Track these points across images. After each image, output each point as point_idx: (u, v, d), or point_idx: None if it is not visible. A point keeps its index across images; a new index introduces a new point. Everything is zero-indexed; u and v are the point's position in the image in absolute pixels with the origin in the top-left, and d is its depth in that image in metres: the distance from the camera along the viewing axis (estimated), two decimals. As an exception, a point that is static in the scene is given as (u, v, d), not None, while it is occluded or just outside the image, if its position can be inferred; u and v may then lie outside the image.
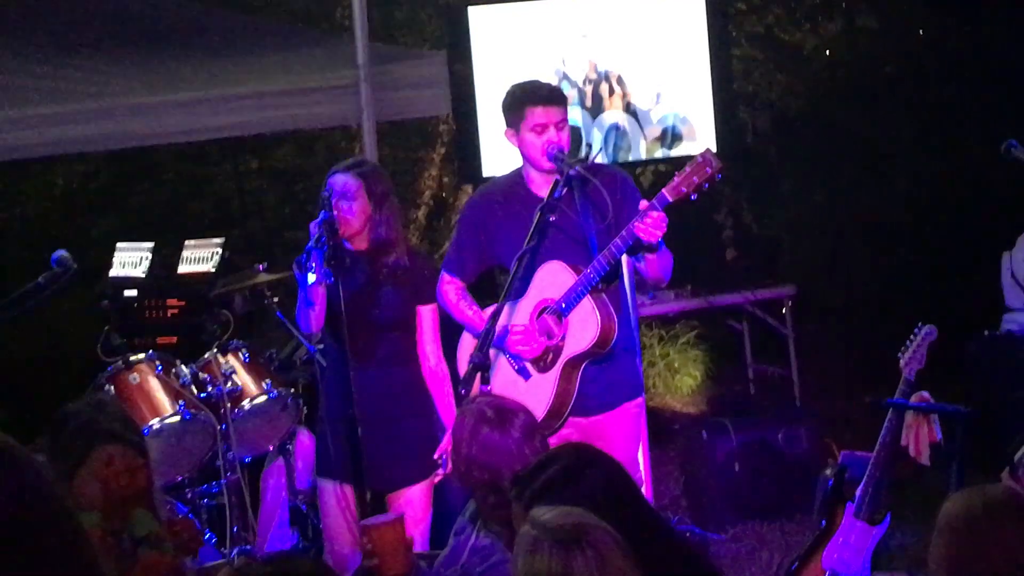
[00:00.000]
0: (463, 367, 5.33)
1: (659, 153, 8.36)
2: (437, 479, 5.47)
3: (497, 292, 5.28)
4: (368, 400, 5.29)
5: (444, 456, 5.31)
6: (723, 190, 10.00)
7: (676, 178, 5.01)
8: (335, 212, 5.26)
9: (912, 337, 5.72)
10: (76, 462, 4.19)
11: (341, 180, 5.37)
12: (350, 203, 5.35)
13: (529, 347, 5.20)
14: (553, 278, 5.20)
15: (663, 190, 4.99)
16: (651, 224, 4.92)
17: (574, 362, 5.20)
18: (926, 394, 5.75)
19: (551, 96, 5.32)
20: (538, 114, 5.25)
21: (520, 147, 5.34)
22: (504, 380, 5.20)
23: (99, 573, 2.34)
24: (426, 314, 5.51)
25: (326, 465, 5.55)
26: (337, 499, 5.50)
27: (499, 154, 7.08)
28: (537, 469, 3.53)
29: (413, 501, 5.42)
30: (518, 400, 5.14)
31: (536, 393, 5.20)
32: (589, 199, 5.20)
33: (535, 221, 5.06)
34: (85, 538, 2.38)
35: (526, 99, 5.30)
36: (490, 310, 5.12)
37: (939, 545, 3.22)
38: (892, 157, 10.02)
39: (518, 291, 5.20)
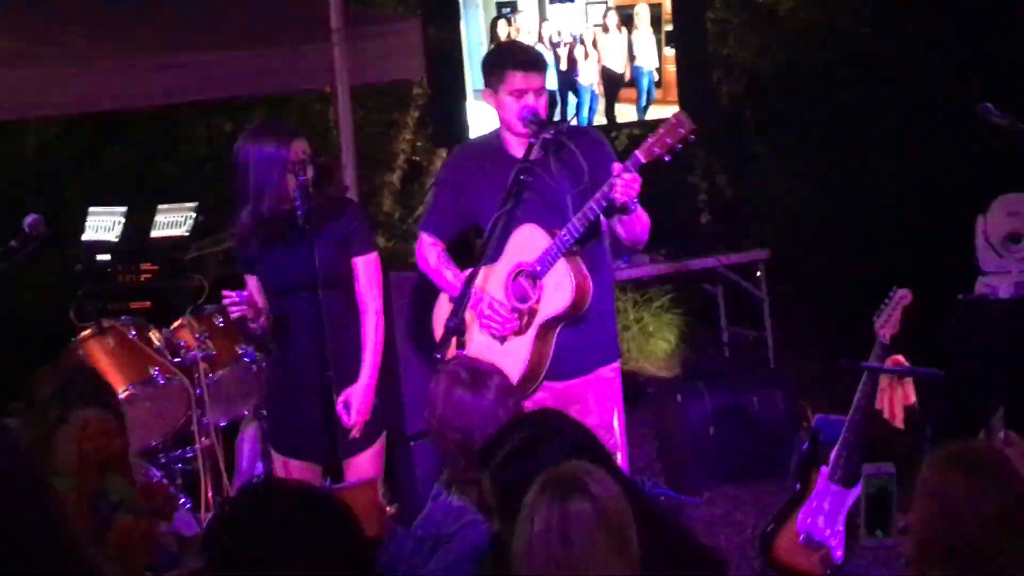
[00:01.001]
0: (439, 331, 5.33)
1: (634, 116, 8.35)
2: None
3: (472, 255, 5.27)
4: (309, 368, 5.18)
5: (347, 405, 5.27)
6: (697, 153, 9.98)
7: (649, 139, 5.01)
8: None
9: (886, 301, 5.73)
10: (53, 426, 4.18)
11: (300, 145, 5.28)
12: None
13: (500, 326, 5.20)
14: (528, 241, 5.19)
15: (636, 151, 4.99)
16: (624, 185, 4.93)
17: (549, 325, 5.19)
18: (900, 358, 5.76)
19: (533, 62, 5.30)
20: (518, 79, 5.23)
21: (497, 108, 5.33)
22: (479, 344, 5.20)
23: (72, 537, 2.34)
24: (360, 265, 5.32)
25: (278, 438, 5.51)
26: (290, 475, 5.38)
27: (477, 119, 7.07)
28: (500, 439, 3.53)
29: (362, 468, 5.32)
30: (493, 364, 5.16)
31: (511, 356, 5.20)
32: (564, 163, 5.20)
33: (510, 184, 5.06)
34: (58, 502, 2.38)
35: (507, 62, 5.29)
36: (467, 273, 5.12)
37: (918, 503, 3.23)
38: (867, 120, 10.01)
39: (493, 254, 5.20)
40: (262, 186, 5.23)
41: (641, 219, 5.18)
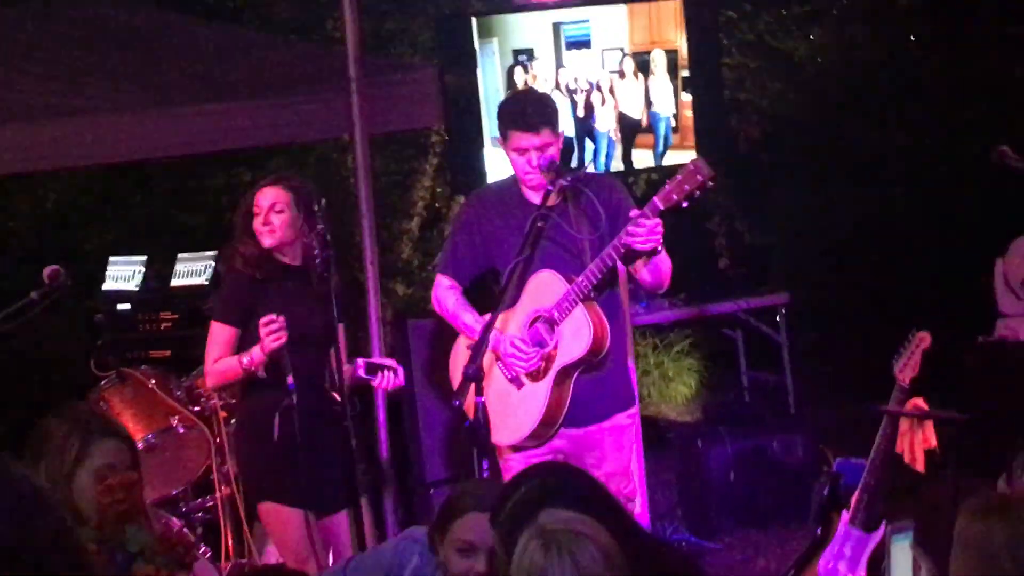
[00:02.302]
0: (456, 378, 5.33)
1: (651, 162, 8.36)
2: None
3: (489, 301, 5.28)
4: (306, 422, 5.23)
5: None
6: (715, 198, 9.99)
7: (667, 186, 5.01)
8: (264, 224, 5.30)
9: (906, 344, 5.72)
10: (72, 467, 4.16)
11: (271, 193, 5.36)
12: (279, 215, 5.35)
13: (526, 363, 5.20)
14: (545, 287, 5.20)
15: (654, 198, 5.00)
16: (645, 232, 4.93)
17: (567, 371, 5.19)
18: (920, 401, 5.75)
19: (530, 122, 5.26)
20: (517, 138, 5.25)
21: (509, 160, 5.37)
22: (497, 390, 5.20)
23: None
24: (342, 333, 5.43)
25: (274, 488, 5.50)
26: (286, 524, 5.45)
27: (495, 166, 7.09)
28: (507, 493, 3.51)
29: (343, 523, 5.37)
30: (511, 410, 5.16)
31: (529, 403, 5.20)
32: (581, 209, 5.21)
33: (527, 231, 5.07)
34: (84, 552, 2.38)
35: (508, 123, 5.31)
36: (485, 318, 5.13)
37: (958, 557, 3.22)
38: (884, 164, 10.01)
39: (510, 300, 5.20)
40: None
41: (665, 262, 5.20)
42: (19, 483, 2.29)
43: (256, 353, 5.25)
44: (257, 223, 5.37)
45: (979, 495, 3.36)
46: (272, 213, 5.34)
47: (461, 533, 3.83)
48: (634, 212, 5.00)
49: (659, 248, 5.04)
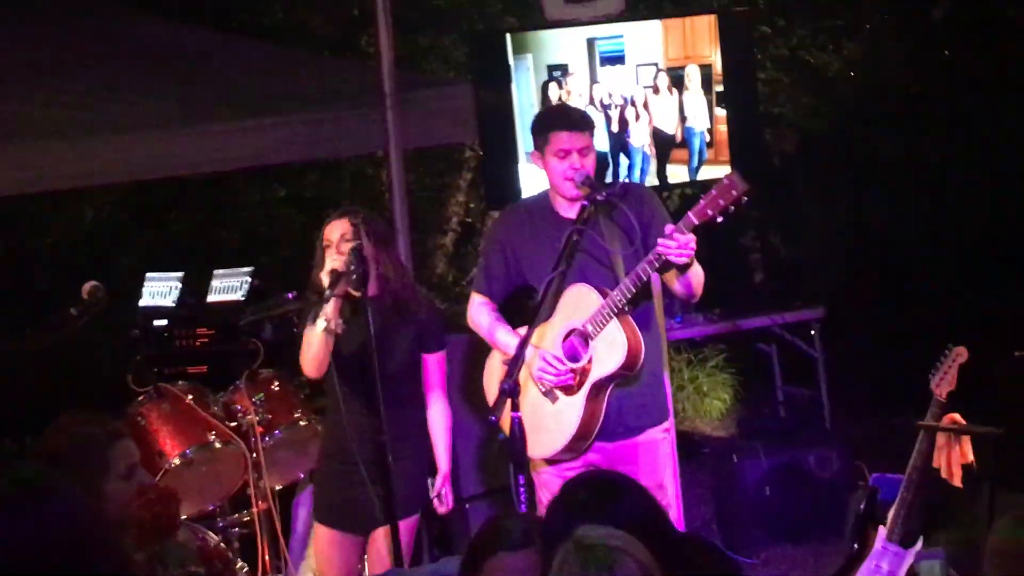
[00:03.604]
0: (491, 392, 5.34)
1: (685, 177, 8.36)
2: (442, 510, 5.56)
3: (524, 316, 5.29)
4: (362, 445, 5.30)
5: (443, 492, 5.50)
6: (750, 213, 9.99)
7: (702, 201, 5.01)
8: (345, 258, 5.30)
9: (942, 358, 5.70)
10: (99, 472, 4.19)
11: (339, 226, 5.40)
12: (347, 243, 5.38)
13: (555, 378, 5.20)
14: (579, 301, 5.20)
15: (689, 212, 5.00)
16: (678, 246, 4.93)
17: (601, 384, 5.20)
18: (957, 416, 5.73)
19: (577, 122, 5.32)
20: (563, 139, 5.26)
21: (546, 171, 5.36)
22: (531, 404, 5.20)
23: None
24: (432, 363, 5.55)
25: (323, 510, 5.62)
26: (332, 546, 5.55)
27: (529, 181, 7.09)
28: (561, 504, 3.51)
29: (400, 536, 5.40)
30: (545, 424, 5.17)
31: (563, 417, 5.21)
32: (616, 223, 5.22)
33: (563, 246, 5.08)
34: (133, 563, 2.40)
35: (552, 123, 5.32)
36: (520, 333, 5.14)
37: (996, 571, 3.20)
38: (918, 178, 10.00)
39: (545, 315, 5.21)
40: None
41: (698, 275, 5.20)
42: (72, 501, 2.32)
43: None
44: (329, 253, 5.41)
45: (1014, 510, 3.34)
46: (342, 243, 5.37)
47: (491, 573, 3.82)
48: (668, 227, 5.01)
49: (692, 262, 5.05)
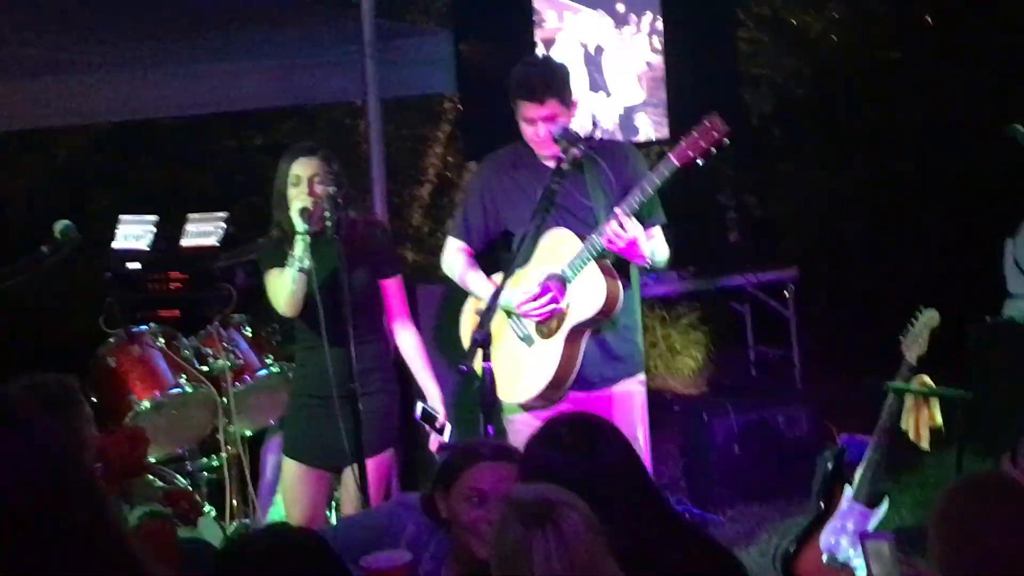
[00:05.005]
0: (466, 341, 5.34)
1: (665, 132, 8.35)
2: (434, 446, 5.41)
3: (499, 266, 5.28)
4: (335, 379, 5.26)
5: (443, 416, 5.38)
6: (726, 172, 9.99)
7: (682, 143, 5.01)
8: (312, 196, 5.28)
9: (913, 321, 5.72)
10: (79, 415, 4.21)
11: (309, 165, 5.37)
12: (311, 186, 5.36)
13: (540, 311, 5.18)
14: (558, 245, 5.19)
15: (669, 154, 5.00)
16: (615, 235, 4.93)
17: (579, 329, 5.18)
18: (927, 378, 5.75)
19: (537, 92, 5.22)
20: (526, 108, 5.24)
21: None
22: (507, 350, 5.20)
23: (117, 530, 2.34)
24: (391, 288, 5.50)
25: (293, 445, 5.59)
26: (300, 481, 5.53)
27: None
28: (542, 440, 3.52)
29: (368, 472, 5.39)
30: (521, 370, 5.17)
31: (540, 362, 5.21)
32: (596, 178, 5.20)
33: (541, 197, 5.06)
34: (108, 502, 2.39)
35: (515, 92, 5.29)
36: (494, 281, 5.13)
37: (934, 538, 3.19)
38: (896, 142, 10.01)
39: (522, 262, 5.19)
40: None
41: (649, 259, 5.16)
42: (49, 435, 2.30)
43: None
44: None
45: (960, 478, 3.34)
46: (314, 183, 5.33)
47: (472, 482, 3.83)
48: (617, 210, 4.99)
49: (633, 257, 5.06)
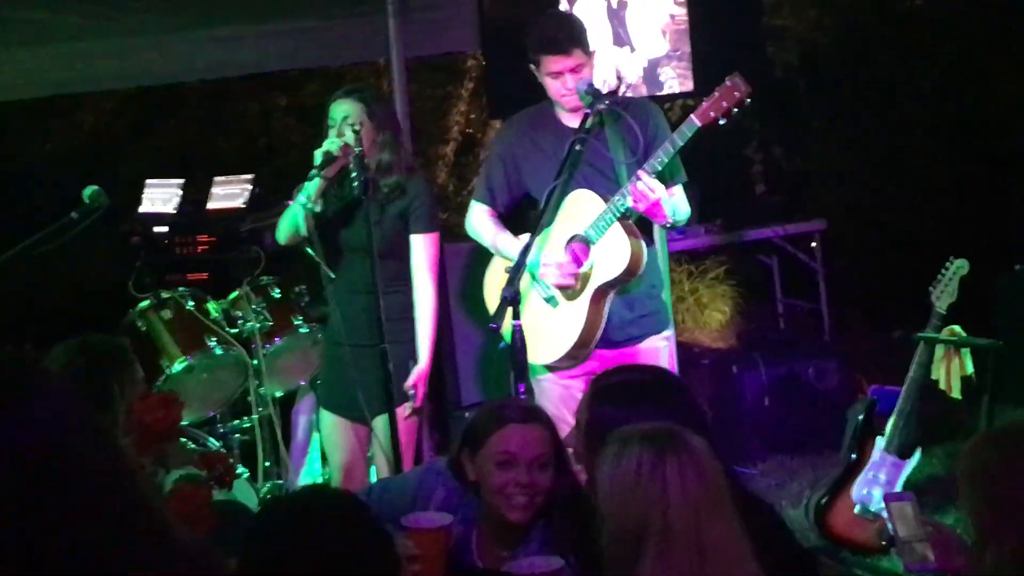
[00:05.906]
0: (491, 302, 5.34)
1: (689, 85, 8.32)
2: (405, 415, 5.39)
3: (525, 226, 5.27)
4: (358, 327, 5.31)
5: (415, 388, 5.37)
6: (752, 125, 9.95)
7: (705, 103, 4.99)
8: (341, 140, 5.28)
9: (943, 271, 5.71)
10: (132, 377, 4.25)
11: (344, 107, 5.36)
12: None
13: (562, 278, 5.18)
14: (581, 207, 5.18)
15: (692, 115, 4.98)
16: (639, 193, 4.92)
17: (603, 289, 5.18)
18: (957, 328, 5.74)
19: (562, 45, 5.19)
20: (550, 62, 5.21)
21: (544, 85, 5.33)
22: (534, 311, 5.20)
23: (142, 494, 2.34)
24: (417, 243, 5.44)
25: (326, 397, 5.65)
26: (335, 430, 5.57)
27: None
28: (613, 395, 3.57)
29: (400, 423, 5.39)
30: (547, 331, 5.17)
31: (565, 323, 5.21)
32: (619, 134, 5.18)
33: (565, 155, 5.05)
34: (126, 459, 2.39)
35: (539, 47, 5.26)
36: (521, 241, 5.13)
37: (964, 489, 3.18)
38: (922, 92, 9.95)
39: (547, 223, 5.19)
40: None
41: (670, 218, 5.15)
42: (63, 393, 2.30)
43: None
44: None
45: (986, 430, 3.33)
46: (344, 126, 5.33)
47: (502, 445, 3.84)
48: (640, 172, 4.97)
49: (656, 217, 5.05)
